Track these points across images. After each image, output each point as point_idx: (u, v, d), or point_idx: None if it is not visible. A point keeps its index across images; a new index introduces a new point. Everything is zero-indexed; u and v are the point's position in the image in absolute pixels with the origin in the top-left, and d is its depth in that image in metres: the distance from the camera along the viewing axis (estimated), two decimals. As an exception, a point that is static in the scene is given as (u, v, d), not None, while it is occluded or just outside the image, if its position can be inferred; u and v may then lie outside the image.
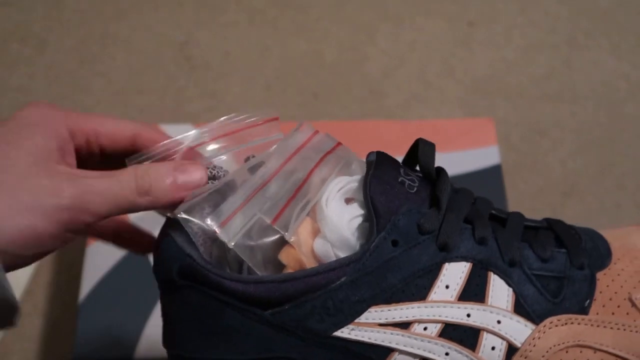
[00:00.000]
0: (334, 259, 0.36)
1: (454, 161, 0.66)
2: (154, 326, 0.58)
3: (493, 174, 0.65)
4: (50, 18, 0.88)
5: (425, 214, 0.37)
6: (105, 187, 0.32)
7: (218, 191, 0.37)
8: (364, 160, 0.39)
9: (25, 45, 0.85)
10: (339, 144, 0.41)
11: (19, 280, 0.67)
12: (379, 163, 0.38)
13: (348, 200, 0.38)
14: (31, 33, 0.86)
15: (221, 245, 0.38)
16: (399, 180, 0.37)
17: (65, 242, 0.33)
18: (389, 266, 0.36)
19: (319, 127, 0.70)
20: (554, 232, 0.40)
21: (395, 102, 0.80)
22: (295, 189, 0.37)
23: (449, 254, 0.37)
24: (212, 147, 0.40)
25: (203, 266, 0.36)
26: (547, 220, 0.42)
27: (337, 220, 0.36)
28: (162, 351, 0.57)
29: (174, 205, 0.35)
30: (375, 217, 0.36)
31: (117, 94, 0.81)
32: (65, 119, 0.34)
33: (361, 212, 0.37)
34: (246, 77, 0.82)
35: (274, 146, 0.39)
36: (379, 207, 0.36)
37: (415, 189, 0.38)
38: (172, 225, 0.37)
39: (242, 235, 0.36)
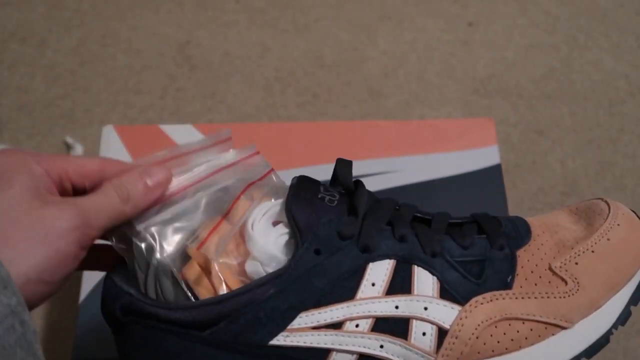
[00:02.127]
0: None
1: (454, 161, 0.66)
2: (154, 326, 0.58)
3: (493, 174, 0.65)
4: (50, 18, 0.88)
5: (343, 221, 0.40)
6: (96, 203, 0.36)
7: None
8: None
9: (25, 45, 0.85)
10: (271, 170, 0.44)
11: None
12: (298, 184, 0.41)
13: (275, 223, 0.40)
14: (31, 33, 0.86)
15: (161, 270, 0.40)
16: (319, 196, 0.41)
17: (80, 260, 0.36)
18: (314, 273, 0.38)
19: (319, 127, 0.70)
20: (477, 223, 0.43)
21: (395, 102, 0.80)
22: (220, 218, 0.40)
23: (371, 255, 0.39)
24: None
25: (141, 300, 0.38)
26: (473, 215, 0.44)
27: (263, 241, 0.39)
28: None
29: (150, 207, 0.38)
30: (298, 231, 0.39)
31: (117, 94, 0.81)
32: (38, 161, 0.37)
33: (286, 230, 0.40)
34: (246, 77, 0.83)
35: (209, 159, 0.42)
36: (299, 221, 0.39)
37: (335, 202, 0.41)
38: (113, 269, 0.40)
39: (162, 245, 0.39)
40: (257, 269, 0.39)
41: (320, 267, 0.38)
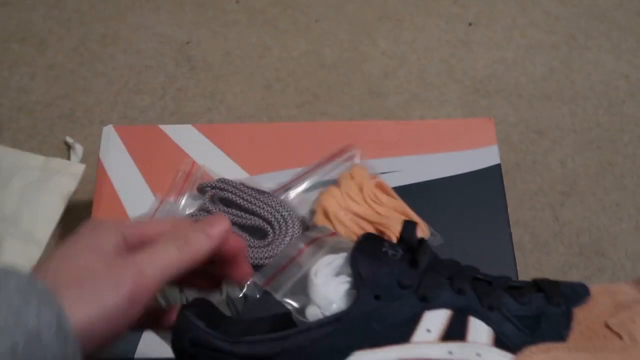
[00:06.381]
0: None
1: (454, 161, 0.66)
2: (154, 326, 0.58)
3: (493, 174, 0.65)
4: (50, 18, 0.88)
5: (404, 272, 0.42)
6: (150, 254, 0.38)
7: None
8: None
9: (25, 45, 0.86)
10: (334, 233, 0.48)
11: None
12: (364, 239, 0.44)
13: (337, 275, 0.44)
14: (31, 33, 0.86)
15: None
16: (383, 250, 0.43)
17: (137, 312, 0.36)
18: (373, 316, 0.40)
19: (319, 127, 0.70)
20: (537, 285, 0.44)
21: (395, 102, 0.80)
22: (287, 261, 0.45)
23: (429, 304, 0.41)
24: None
25: (209, 333, 0.41)
26: (534, 279, 0.46)
27: (324, 289, 0.42)
28: (162, 351, 0.57)
29: (213, 253, 0.40)
30: (360, 279, 0.41)
31: (117, 94, 0.81)
32: (118, 227, 0.39)
33: (348, 280, 0.43)
34: (246, 77, 0.83)
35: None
36: (362, 270, 0.42)
37: (398, 257, 0.43)
38: (187, 304, 0.43)
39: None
40: (317, 313, 0.42)
41: (379, 311, 0.40)
